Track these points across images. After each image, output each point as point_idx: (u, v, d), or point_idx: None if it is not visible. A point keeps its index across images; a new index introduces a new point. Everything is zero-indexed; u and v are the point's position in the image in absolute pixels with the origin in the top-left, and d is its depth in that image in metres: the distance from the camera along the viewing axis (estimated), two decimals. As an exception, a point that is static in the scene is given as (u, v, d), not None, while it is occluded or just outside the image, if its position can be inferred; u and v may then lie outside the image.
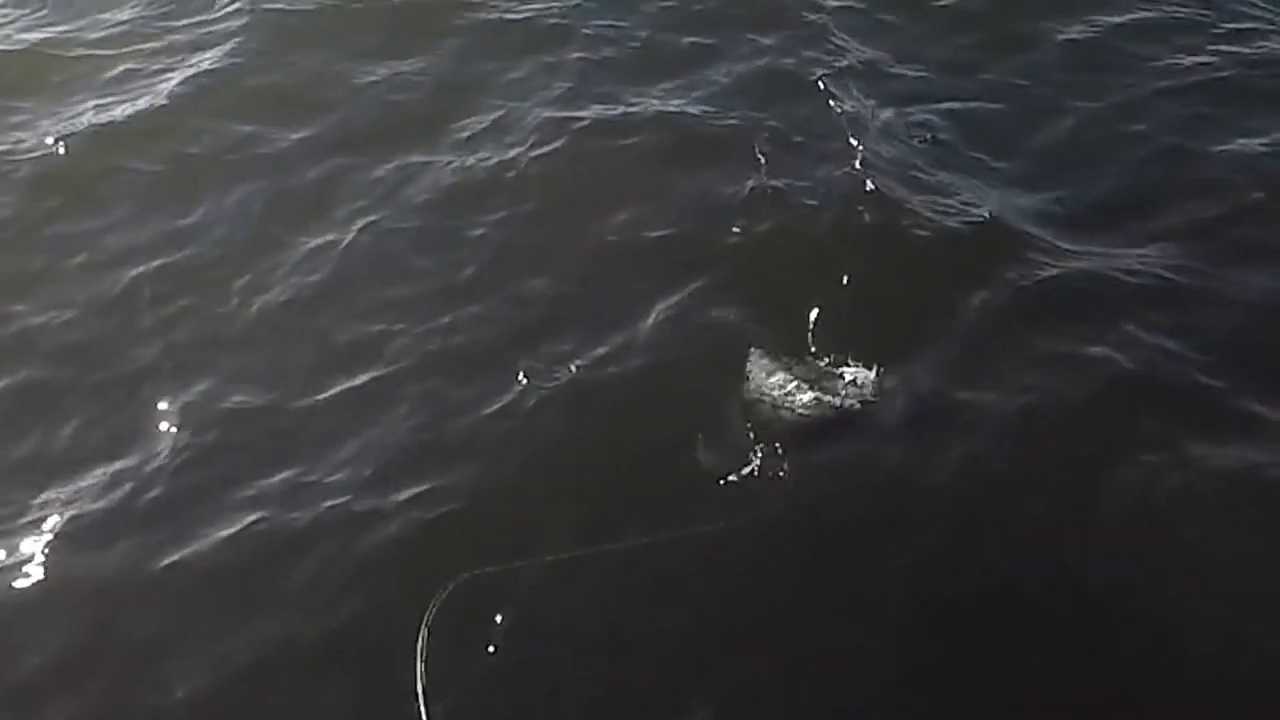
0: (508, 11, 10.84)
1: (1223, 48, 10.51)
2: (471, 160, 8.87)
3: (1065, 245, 7.94)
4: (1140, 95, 9.82)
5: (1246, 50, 10.47)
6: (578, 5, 10.95)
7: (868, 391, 6.70)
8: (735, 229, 8.01)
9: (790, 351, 7.00)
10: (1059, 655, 5.45)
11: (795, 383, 6.71)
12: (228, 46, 10.41)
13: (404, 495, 6.22)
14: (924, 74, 10.10)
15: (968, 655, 5.50)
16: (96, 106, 9.64)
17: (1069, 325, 7.25)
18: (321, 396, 6.89)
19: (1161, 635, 5.55)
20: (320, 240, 8.13)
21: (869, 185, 8.30)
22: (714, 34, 10.50)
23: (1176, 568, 5.84)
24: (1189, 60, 10.30)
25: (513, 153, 8.89)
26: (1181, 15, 11.05)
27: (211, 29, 10.73)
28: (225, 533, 6.08)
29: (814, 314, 7.26)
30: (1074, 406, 6.70)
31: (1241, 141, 9.16)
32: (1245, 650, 5.46)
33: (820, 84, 9.64)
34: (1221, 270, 7.72)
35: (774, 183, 8.44)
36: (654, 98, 9.55)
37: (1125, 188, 8.66)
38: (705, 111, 9.34)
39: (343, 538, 6.03)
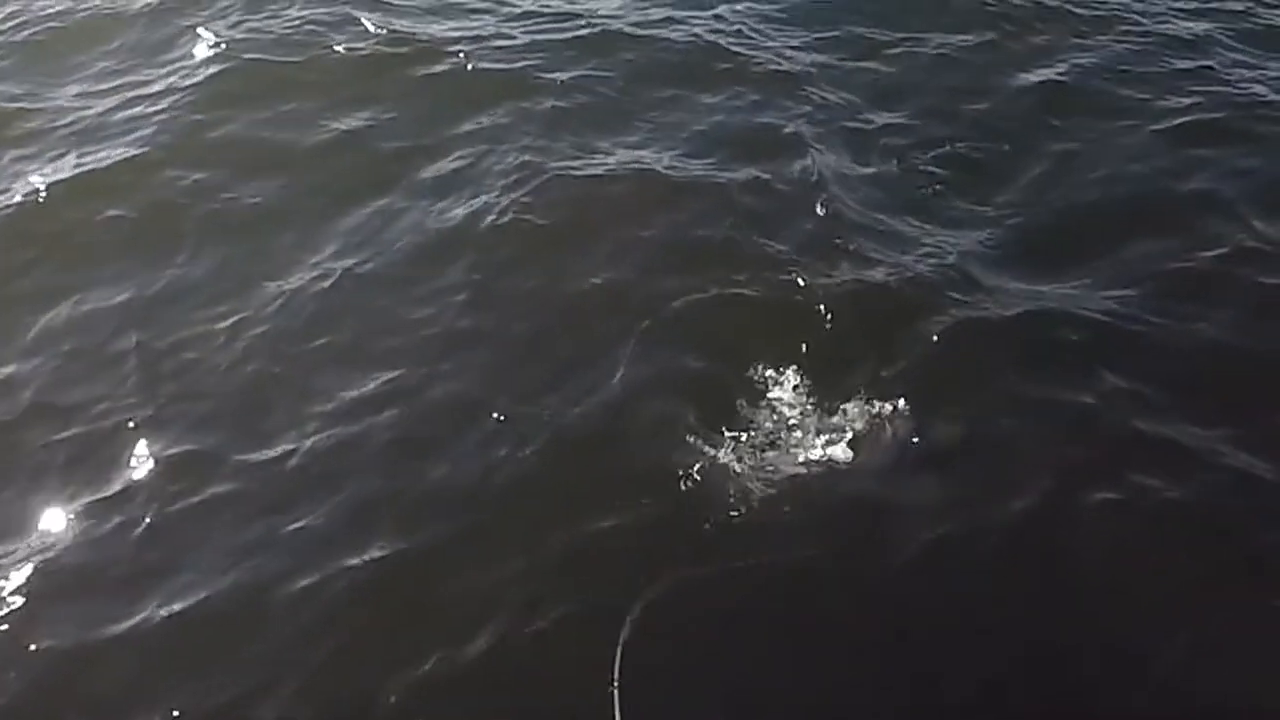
0: (483, 60, 11.26)
1: (1209, 88, 11.02)
2: (450, 208, 9.21)
3: (1038, 288, 8.35)
4: (1121, 139, 10.26)
5: (1229, 90, 10.98)
6: (552, 54, 11.38)
7: (843, 434, 7.04)
8: (713, 278, 8.31)
9: (767, 398, 7.34)
10: (1033, 685, 5.85)
11: (774, 427, 7.08)
12: (204, 95, 10.76)
13: (382, 541, 6.51)
14: (900, 120, 10.51)
15: (942, 679, 5.86)
16: (76, 155, 9.99)
17: (1040, 367, 7.62)
18: (303, 444, 7.17)
19: (1127, 661, 5.90)
20: (298, 287, 8.45)
21: (844, 233, 8.74)
22: (691, 84, 10.92)
23: (1142, 599, 6.20)
24: (1174, 102, 10.78)
25: (491, 200, 9.22)
26: (1166, 58, 11.63)
27: (188, 78, 11.06)
28: (202, 581, 6.36)
29: (790, 360, 7.58)
30: (1044, 445, 7.06)
31: (1219, 184, 9.58)
32: (1206, 676, 5.85)
33: (797, 132, 10.06)
34: (1191, 310, 8.11)
35: (750, 231, 8.81)
36: (630, 147, 9.93)
37: (1101, 231, 9.04)
38: (681, 160, 9.72)
39: (320, 584, 6.29)
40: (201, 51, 11.44)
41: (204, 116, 10.48)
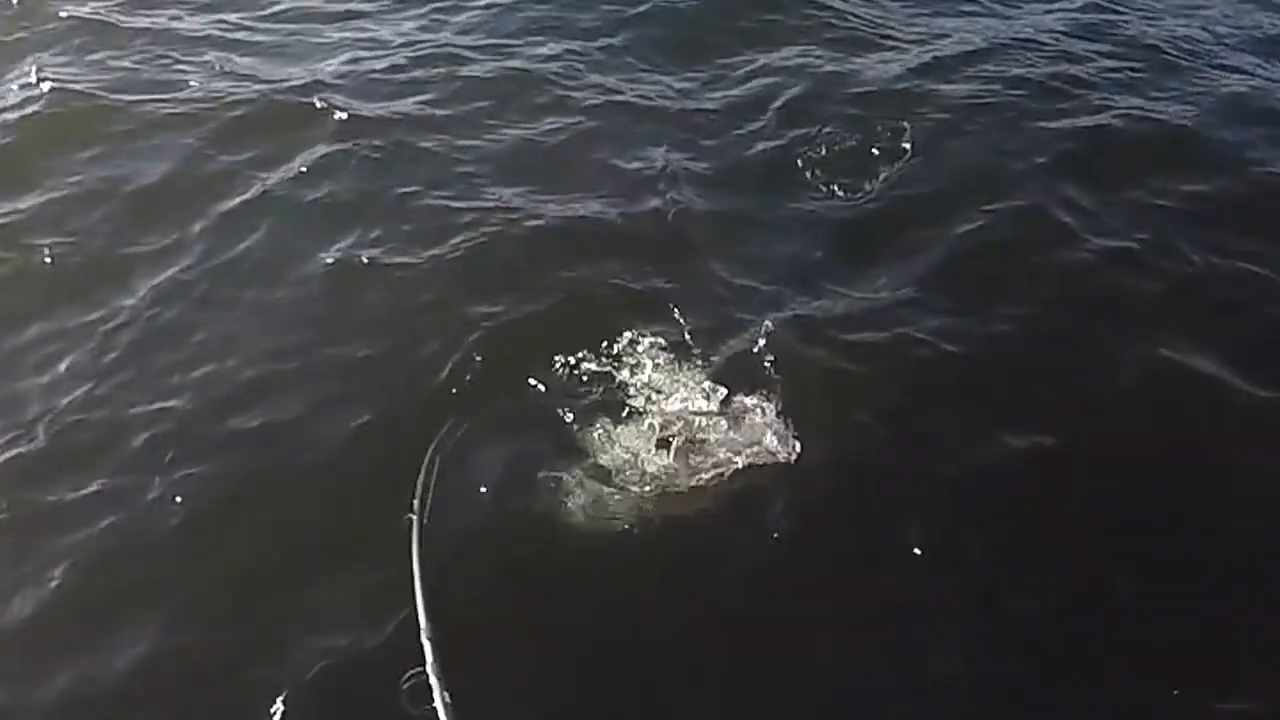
0: (337, 95, 11.46)
1: (1073, 90, 11.88)
2: (296, 244, 9.45)
3: (884, 294, 8.93)
4: (978, 139, 11.04)
5: (1089, 94, 11.78)
6: (407, 88, 11.76)
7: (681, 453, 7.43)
8: (565, 302, 8.72)
9: (615, 415, 7.74)
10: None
11: (618, 450, 7.49)
12: (40, 130, 10.85)
13: (225, 590, 6.75)
14: (755, 130, 11.10)
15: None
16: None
17: (884, 378, 8.19)
18: (155, 480, 7.33)
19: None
20: (147, 319, 8.65)
21: (697, 249, 9.35)
22: (542, 112, 11.40)
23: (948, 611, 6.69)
24: (1038, 106, 11.58)
25: (339, 234, 9.52)
26: (1029, 62, 12.47)
27: (25, 113, 11.10)
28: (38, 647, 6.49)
29: (641, 380, 7.99)
30: (879, 453, 7.62)
31: (1065, 181, 10.34)
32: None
33: (650, 153, 10.61)
34: (1025, 304, 8.90)
35: (604, 254, 9.28)
36: (481, 178, 10.33)
37: (947, 227, 9.69)
38: (531, 188, 10.17)
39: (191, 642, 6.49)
40: (43, 88, 11.42)
41: (42, 155, 10.54)
